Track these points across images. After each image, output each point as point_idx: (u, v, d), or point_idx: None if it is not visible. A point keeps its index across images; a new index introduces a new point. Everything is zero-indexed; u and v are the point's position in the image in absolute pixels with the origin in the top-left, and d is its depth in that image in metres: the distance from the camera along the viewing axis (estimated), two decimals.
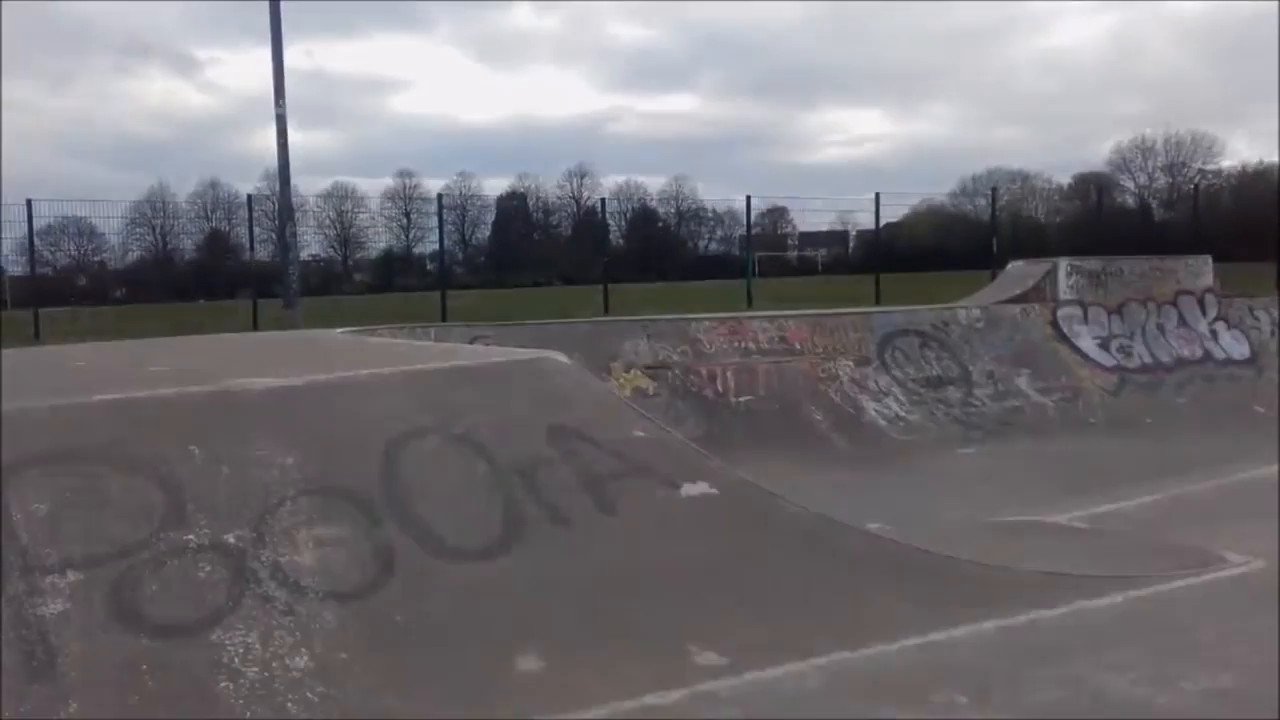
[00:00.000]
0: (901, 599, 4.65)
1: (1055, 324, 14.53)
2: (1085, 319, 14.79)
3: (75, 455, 4.66)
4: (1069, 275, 14.99)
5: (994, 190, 36.93)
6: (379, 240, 64.98)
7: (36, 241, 18.80)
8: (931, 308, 14.48)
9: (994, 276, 18.66)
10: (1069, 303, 14.81)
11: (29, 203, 17.55)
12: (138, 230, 51.95)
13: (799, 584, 4.73)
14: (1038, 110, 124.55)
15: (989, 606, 4.60)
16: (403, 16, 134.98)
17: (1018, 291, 14.92)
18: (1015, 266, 16.31)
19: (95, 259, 44.68)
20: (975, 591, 4.78)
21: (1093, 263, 15.45)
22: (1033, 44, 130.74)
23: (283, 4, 15.20)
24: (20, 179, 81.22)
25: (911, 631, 4.34)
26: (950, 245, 44.41)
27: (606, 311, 19.84)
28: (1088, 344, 14.52)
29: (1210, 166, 69.95)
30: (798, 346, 12.68)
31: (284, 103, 15.43)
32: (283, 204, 16.06)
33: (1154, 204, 70.42)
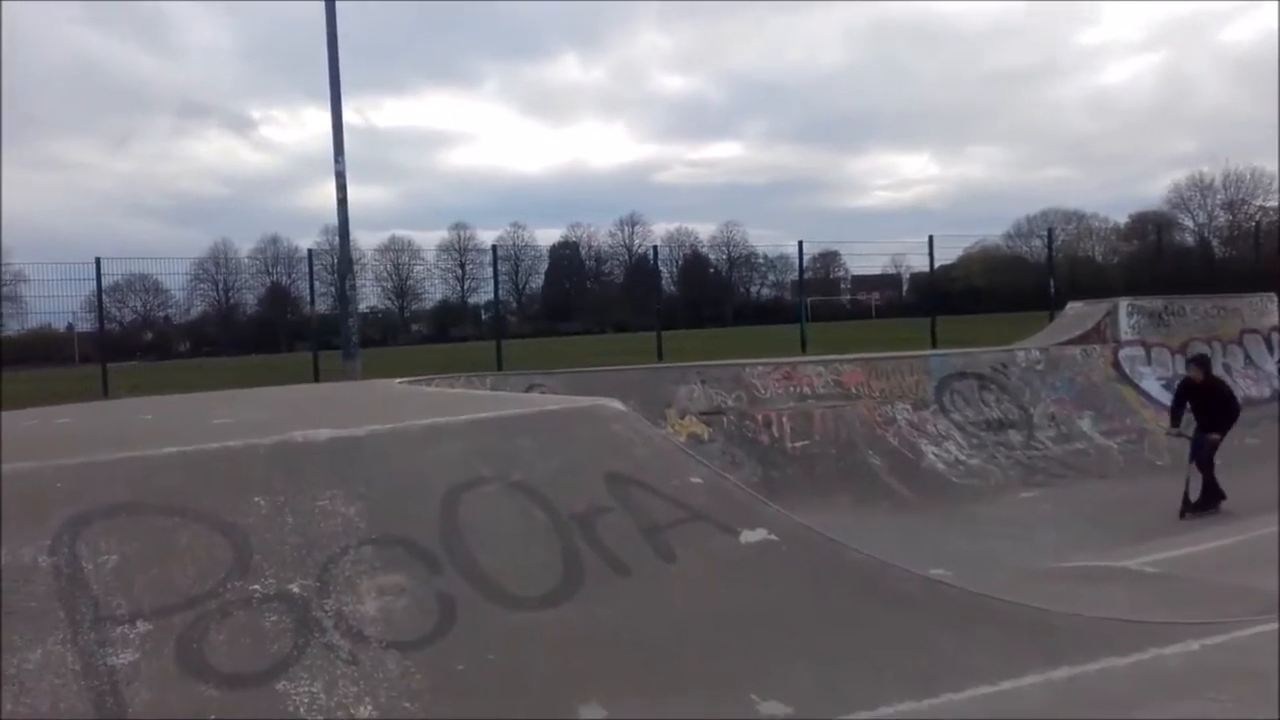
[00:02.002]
0: (968, 647, 4.55)
1: (1117, 365, 14.31)
2: (1149, 360, 14.55)
3: (144, 507, 4.75)
4: (1130, 315, 14.77)
5: (1050, 231, 36.51)
6: (435, 291, 65.86)
7: (104, 298, 19.18)
8: (990, 350, 14.33)
9: (1052, 318, 18.42)
10: (1131, 343, 14.59)
11: (98, 261, 18.00)
12: (201, 286, 53.32)
13: (863, 632, 4.66)
14: (1087, 150, 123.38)
15: (1059, 655, 4.49)
16: (450, 73, 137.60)
17: (1078, 332, 14.73)
18: (1074, 307, 16.11)
19: (161, 314, 45.90)
20: (1044, 639, 4.66)
21: (1154, 302, 15.23)
22: (1080, 84, 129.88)
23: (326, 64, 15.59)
24: (85, 237, 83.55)
25: (980, 681, 4.25)
26: (1006, 287, 43.89)
27: (660, 358, 19.86)
28: (1152, 385, 14.26)
29: (1270, 203, 68.54)
30: (854, 390, 12.60)
31: (343, 159, 15.76)
32: (342, 259, 16.33)
33: (1214, 242, 69.10)
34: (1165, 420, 13.71)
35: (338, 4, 15.72)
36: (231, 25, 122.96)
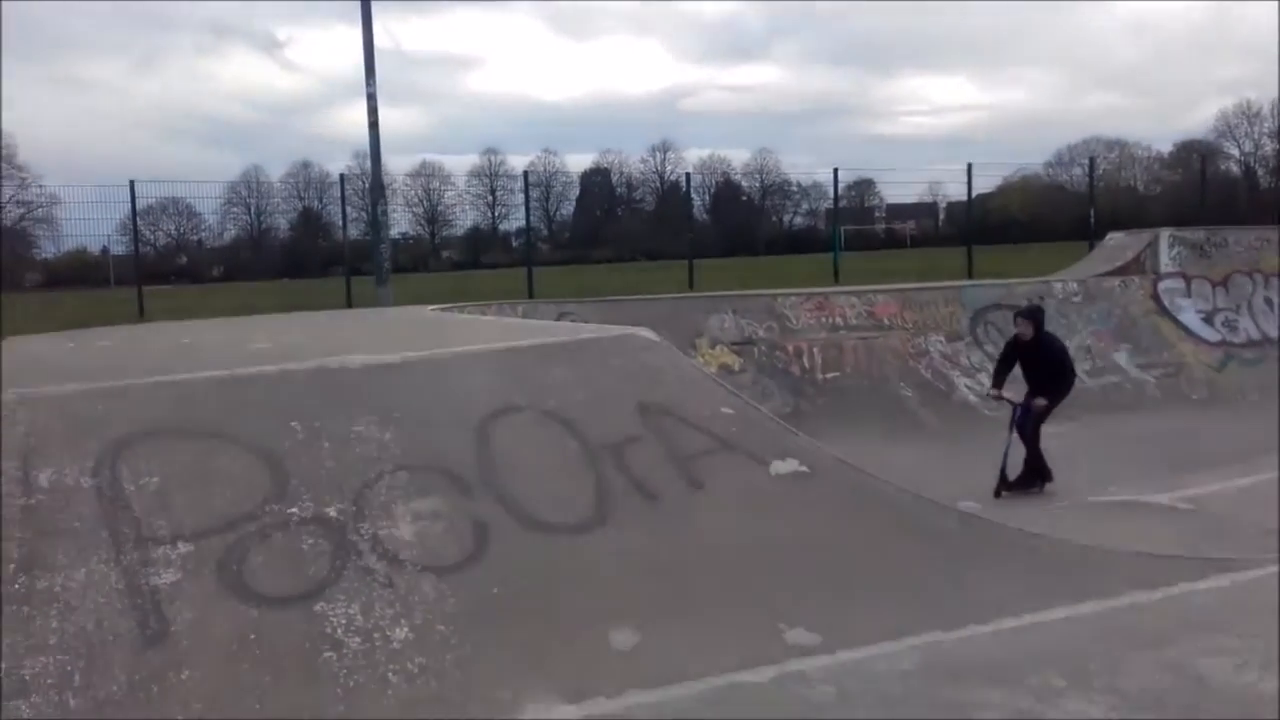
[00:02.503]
0: (996, 580, 4.58)
1: (1156, 297, 14.11)
2: (1188, 292, 14.33)
3: (185, 430, 4.84)
4: (1171, 247, 14.53)
5: (1091, 160, 35.78)
6: (465, 218, 65.73)
7: (138, 222, 19.27)
8: (1026, 281, 14.17)
9: (1092, 249, 18.12)
10: (1171, 275, 14.37)
11: (131, 184, 18.01)
12: (233, 210, 53.53)
13: (891, 563, 4.69)
14: (1131, 76, 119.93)
15: (1087, 588, 4.51)
16: None
17: (1117, 264, 14.51)
18: (1114, 238, 15.85)
19: (194, 238, 46.08)
20: (1073, 573, 4.68)
21: (1196, 233, 14.95)
22: (1124, 6, 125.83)
23: None
24: (116, 158, 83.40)
25: (1007, 613, 4.28)
26: (1045, 217, 43.23)
27: (691, 287, 19.77)
28: (1191, 318, 14.07)
29: None
30: (886, 322, 12.53)
31: (374, 82, 15.63)
32: (374, 184, 16.27)
33: (1260, 171, 67.55)
34: (1204, 353, 13.58)
35: None
36: None
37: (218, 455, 4.72)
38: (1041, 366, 9.15)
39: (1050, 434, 10.84)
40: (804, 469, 5.34)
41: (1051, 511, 6.57)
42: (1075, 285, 13.85)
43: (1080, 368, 12.65)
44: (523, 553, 4.54)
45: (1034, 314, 9.66)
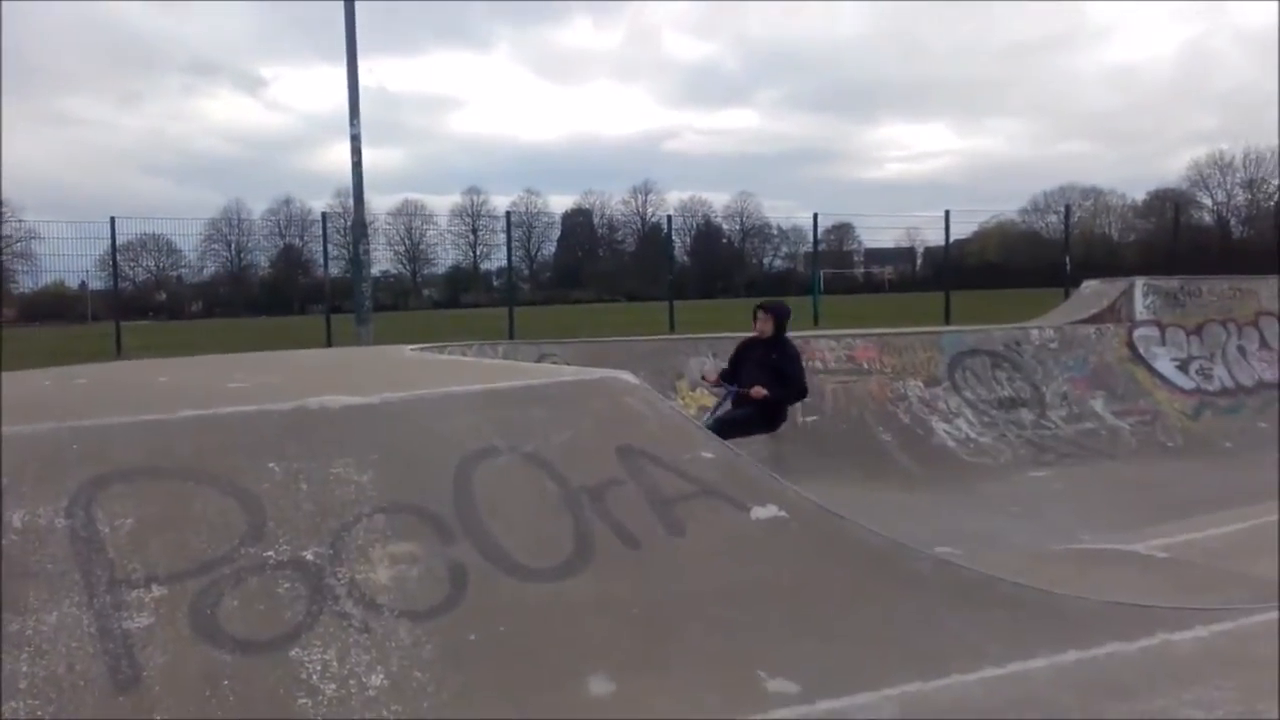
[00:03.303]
0: (975, 628, 4.57)
1: (1131, 345, 14.25)
2: (1163, 340, 14.48)
3: (160, 471, 4.79)
4: (1145, 295, 14.69)
5: (1066, 208, 36.27)
6: (447, 256, 65.89)
7: (117, 257, 19.24)
8: (1003, 327, 14.28)
9: (1067, 294, 18.33)
10: (1146, 323, 14.52)
11: (112, 221, 18.08)
12: (214, 246, 53.50)
13: (871, 611, 4.68)
14: (1105, 125, 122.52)
15: (1066, 638, 4.50)
16: (463, 34, 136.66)
17: (1092, 311, 14.66)
18: (1089, 285, 16.03)
19: (173, 274, 45.98)
20: (1052, 622, 4.68)
21: (1170, 282, 15.13)
22: (1098, 57, 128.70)
23: (340, 22, 15.51)
24: (98, 194, 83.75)
25: (987, 662, 4.26)
26: (1021, 263, 43.77)
27: (672, 328, 19.85)
28: (1165, 366, 14.21)
29: None
30: (865, 366, 12.58)
31: (358, 123, 15.71)
32: (356, 223, 16.32)
33: (1233, 221, 68.61)
34: (1179, 401, 13.70)
35: None
36: None
37: (193, 496, 4.67)
38: (773, 372, 8.44)
39: (1027, 480, 10.89)
40: (784, 514, 5.34)
41: (1027, 559, 6.58)
42: (1052, 332, 13.97)
43: (1056, 414, 12.77)
44: (501, 597, 4.50)
45: (779, 310, 8.92)
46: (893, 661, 4.23)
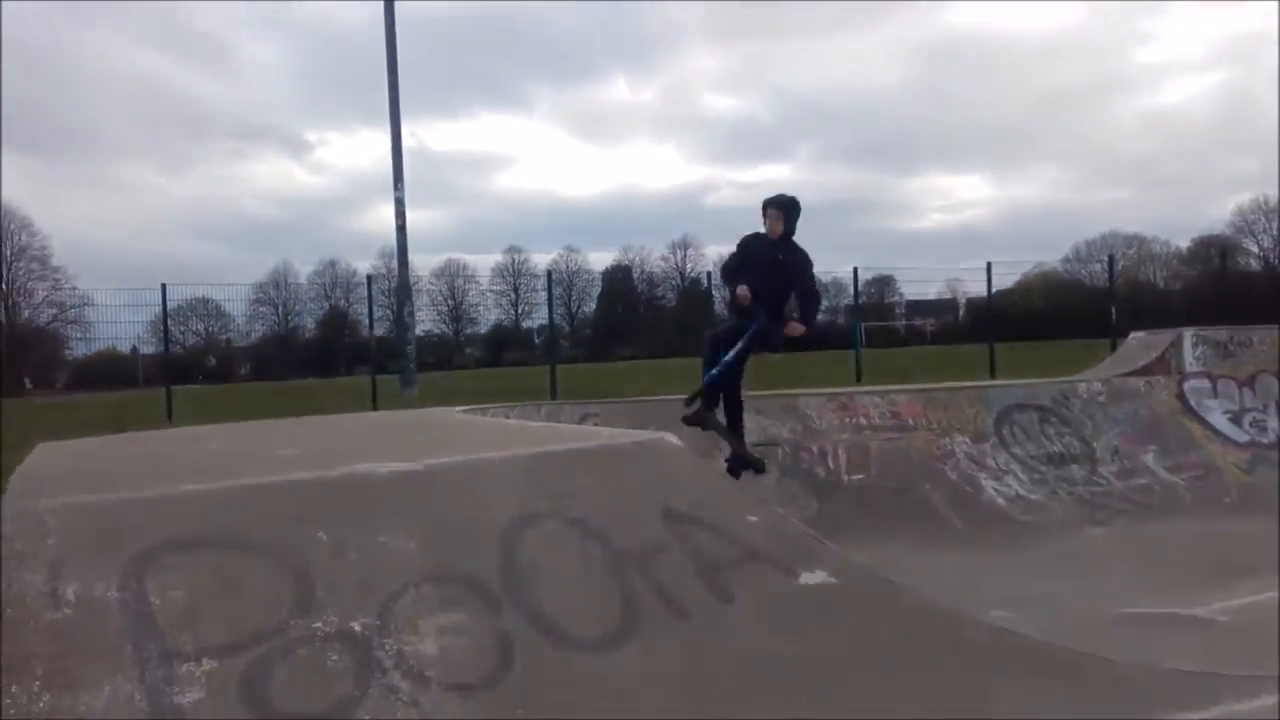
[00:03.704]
0: (1035, 698, 4.46)
1: (1182, 397, 13.98)
2: (1214, 392, 14.20)
3: (211, 541, 4.83)
4: (1195, 346, 14.44)
5: (1110, 257, 35.97)
6: (489, 315, 66.57)
7: (168, 321, 19.63)
8: (1050, 381, 14.09)
9: (1113, 344, 18.10)
10: (1196, 374, 14.25)
11: (164, 287, 18.48)
12: (261, 309, 54.46)
13: (926, 680, 4.59)
14: (1147, 172, 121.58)
15: (1130, 708, 4.39)
16: (502, 95, 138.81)
17: (1140, 363, 14.42)
18: (1136, 337, 15.79)
19: (222, 337, 46.82)
20: (1115, 691, 4.56)
21: (1220, 332, 14.87)
22: (1138, 104, 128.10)
23: (383, 86, 15.84)
24: (148, 258, 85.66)
25: None
26: (1065, 312, 43.35)
27: None
28: (1218, 418, 13.91)
29: None
30: (911, 422, 12.45)
31: (403, 186, 16.02)
32: (401, 286, 16.61)
33: None
34: (1233, 455, 13.39)
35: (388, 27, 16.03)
36: (286, 48, 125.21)
37: (243, 567, 4.70)
38: (782, 280, 7.60)
39: (1080, 539, 10.67)
40: (833, 580, 5.27)
41: (1086, 623, 6.43)
42: (1099, 385, 13.76)
43: (1108, 470, 12.53)
44: (548, 670, 4.47)
45: (790, 207, 7.86)
46: None
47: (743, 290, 7.23)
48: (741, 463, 8.19)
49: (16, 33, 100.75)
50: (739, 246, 7.87)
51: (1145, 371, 14.23)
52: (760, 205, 8.07)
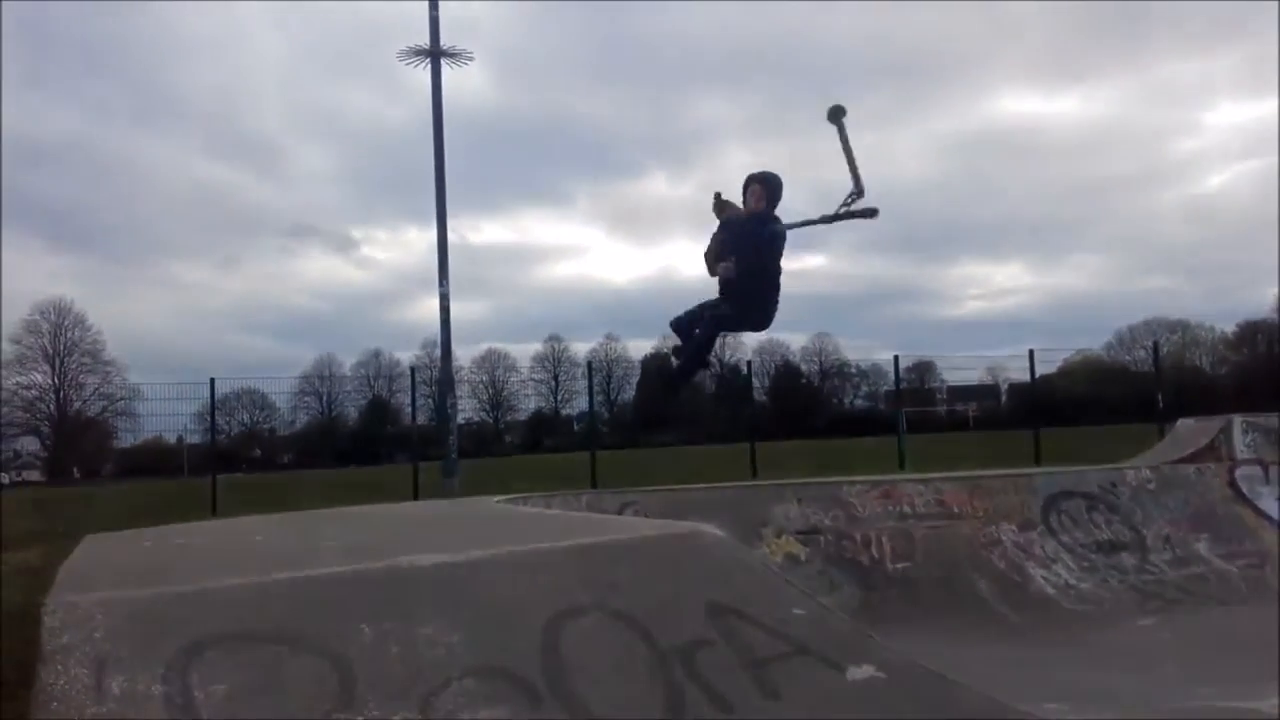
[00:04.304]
0: None
1: (1234, 485, 13.70)
2: (1267, 479, 13.90)
3: (255, 635, 4.84)
4: (1245, 433, 14.20)
5: (1155, 344, 35.63)
6: (528, 403, 66.95)
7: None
8: (1098, 468, 13.88)
9: (1161, 430, 17.82)
10: (1248, 462, 13.98)
11: (212, 382, 18.86)
12: (305, 399, 55.18)
13: None
14: (1189, 259, 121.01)
15: None
16: (542, 193, 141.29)
17: (1190, 450, 14.19)
18: (1185, 424, 15.57)
19: (266, 427, 47.48)
20: None
21: (1270, 419, 14.62)
22: (1178, 192, 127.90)
23: (428, 186, 16.32)
24: (197, 351, 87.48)
25: None
26: (1110, 397, 42.83)
27: (754, 471, 19.72)
28: (1271, 505, 13.58)
29: None
30: (956, 510, 12.27)
31: (448, 282, 16.33)
32: (444, 378, 16.84)
33: None
34: None
35: (431, 131, 16.51)
36: (334, 152, 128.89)
37: (286, 661, 4.70)
38: (755, 244, 7.11)
39: (1134, 629, 10.40)
40: (881, 675, 5.17)
41: (1145, 719, 6.24)
42: (1149, 472, 13.52)
43: (1160, 558, 12.24)
44: None
45: (774, 182, 7.48)
46: None
47: (726, 264, 6.78)
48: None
49: (75, 136, 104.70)
50: (721, 228, 7.30)
51: (1195, 458, 14.00)
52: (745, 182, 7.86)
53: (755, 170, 7.76)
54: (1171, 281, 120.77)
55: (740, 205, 7.59)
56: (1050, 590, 11.39)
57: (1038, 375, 25.55)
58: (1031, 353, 24.12)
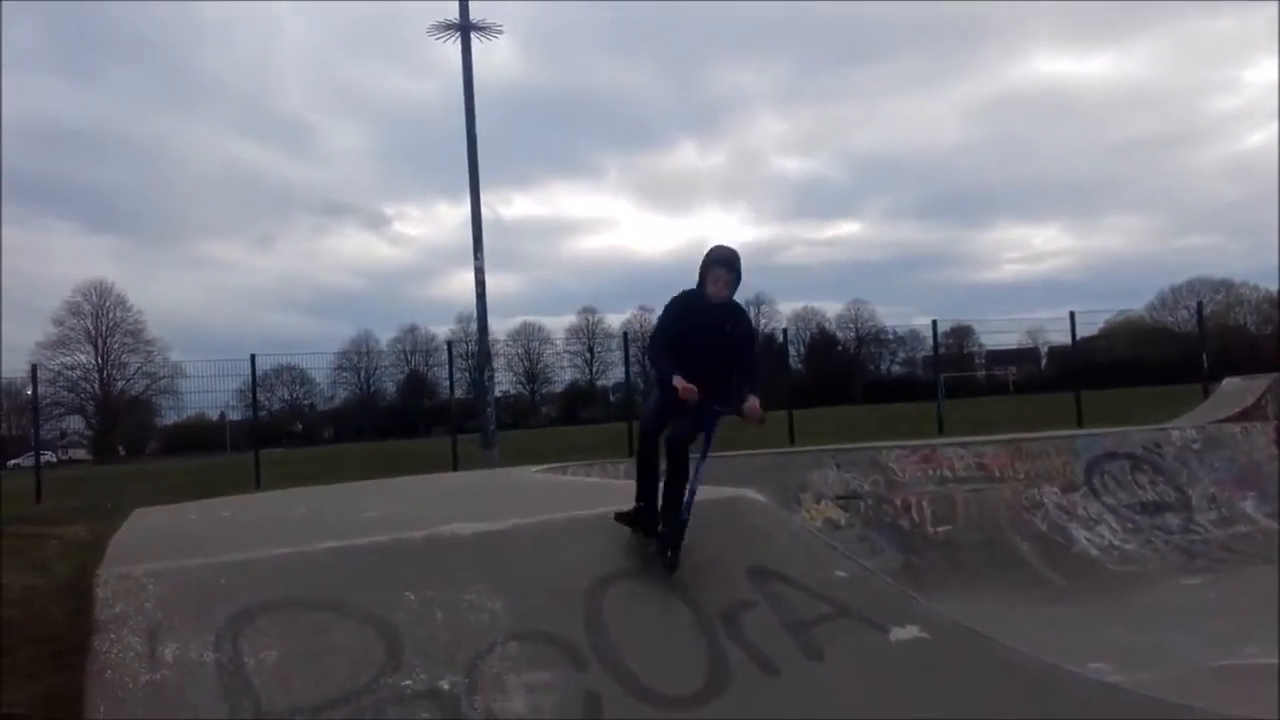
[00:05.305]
0: None
1: None
2: None
3: (303, 602, 4.91)
4: None
5: (1199, 303, 35.00)
6: (564, 375, 67.06)
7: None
8: (1142, 429, 13.69)
9: (1205, 391, 17.53)
10: None
11: (253, 357, 18.99)
12: (344, 374, 55.61)
13: None
14: (1231, 217, 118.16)
15: None
16: (573, 166, 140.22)
17: (1236, 409, 13.96)
18: (1230, 383, 15.32)
19: (306, 403, 47.99)
20: None
21: None
22: (1219, 150, 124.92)
23: (458, 161, 16.31)
24: (235, 330, 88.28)
25: None
26: (1152, 359, 42.23)
27: (791, 437, 19.65)
28: None
29: None
30: (997, 473, 12.17)
31: (482, 256, 16.39)
32: (481, 351, 16.91)
33: None
34: None
35: (461, 104, 16.52)
36: (364, 129, 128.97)
37: (333, 627, 4.77)
38: (728, 347, 5.82)
39: (1179, 589, 10.27)
40: (925, 635, 5.16)
41: (1191, 676, 6.17)
42: (1194, 432, 13.34)
43: (1205, 518, 12.10)
44: None
45: (738, 264, 5.97)
46: None
47: (686, 387, 5.49)
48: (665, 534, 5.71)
49: (114, 121, 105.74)
50: (671, 312, 5.98)
51: (1241, 417, 13.78)
52: (706, 262, 6.03)
53: (715, 247, 6.22)
54: (1213, 240, 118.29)
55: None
56: (1094, 552, 11.29)
57: (1079, 338, 25.19)
58: (1072, 314, 23.75)
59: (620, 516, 5.88)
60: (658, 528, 5.66)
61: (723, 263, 5.97)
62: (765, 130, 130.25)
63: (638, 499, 5.79)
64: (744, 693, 4.65)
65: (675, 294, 6.06)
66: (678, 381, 5.53)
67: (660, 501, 5.69)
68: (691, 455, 5.85)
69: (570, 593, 5.22)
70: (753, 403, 5.71)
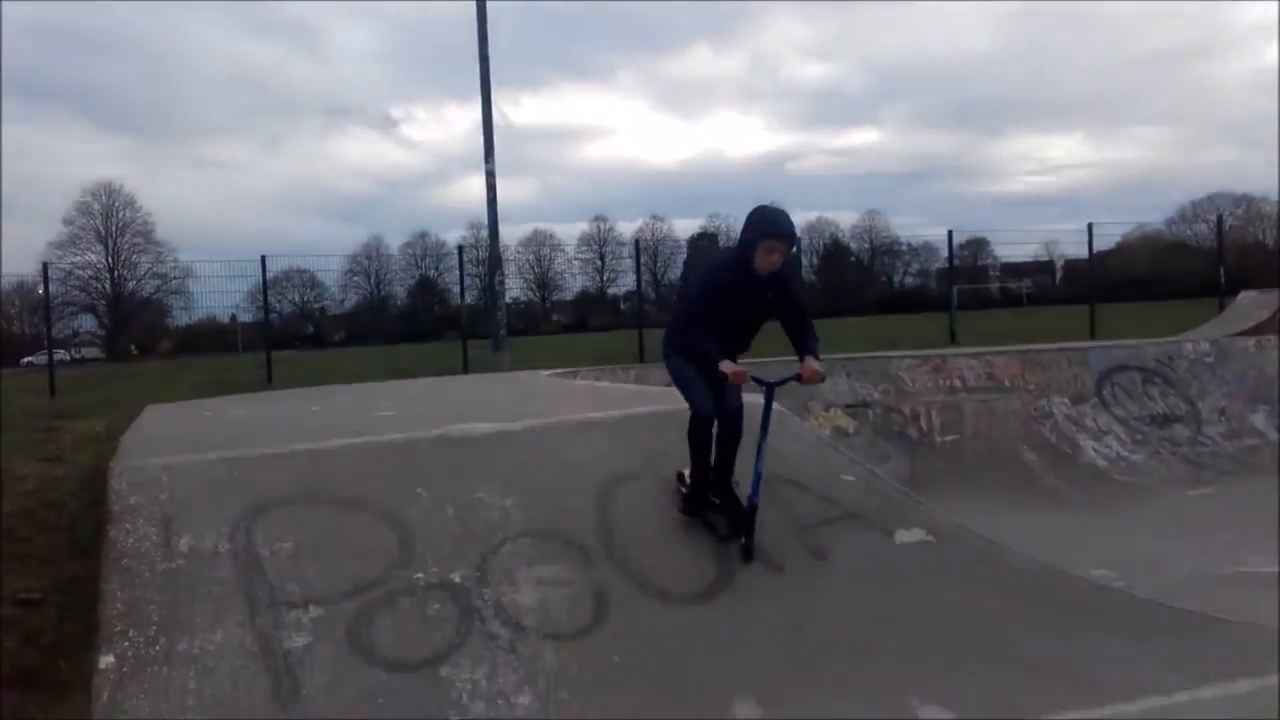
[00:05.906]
0: (1140, 655, 4.35)
1: None
2: None
3: (316, 496, 4.98)
4: None
5: (1219, 216, 34.51)
6: (575, 283, 66.88)
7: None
8: (1154, 341, 13.64)
9: (1222, 307, 17.41)
10: None
11: (263, 259, 18.90)
12: (355, 279, 55.56)
13: (1026, 637, 4.51)
14: (1254, 130, 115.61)
15: (1240, 665, 4.25)
16: (584, 68, 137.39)
17: (1250, 323, 13.89)
18: (1246, 296, 15.23)
19: (317, 306, 48.02)
20: (1223, 649, 4.42)
21: None
22: (1244, 62, 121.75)
23: (467, 63, 16.03)
24: (244, 232, 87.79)
25: (1153, 691, 4.05)
26: (1170, 274, 41.81)
27: None
28: None
29: None
30: (1007, 384, 12.18)
31: (493, 160, 16.17)
32: (492, 257, 16.82)
33: None
34: None
35: (468, 4, 16.14)
36: (372, 29, 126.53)
37: (347, 521, 4.85)
38: (765, 314, 5.34)
39: (1184, 500, 10.34)
40: (929, 538, 5.21)
41: (1192, 583, 6.24)
42: (1207, 345, 13.29)
43: (1214, 431, 12.12)
44: (643, 621, 4.51)
45: (795, 238, 5.34)
46: (1051, 689, 4.06)
47: (736, 371, 5.10)
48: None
49: (114, 20, 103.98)
50: (713, 282, 5.37)
51: (1256, 331, 13.72)
52: (747, 218, 5.36)
53: (763, 209, 5.42)
54: (1235, 154, 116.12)
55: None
56: (1101, 462, 11.34)
57: (1095, 251, 24.92)
58: (1090, 226, 23.43)
59: (679, 483, 5.56)
60: (712, 504, 5.35)
61: (781, 237, 5.27)
62: (783, 33, 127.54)
63: (690, 481, 5.42)
64: (749, 590, 4.73)
65: (713, 256, 5.38)
66: (725, 367, 5.12)
67: (713, 474, 5.34)
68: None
69: (581, 492, 5.29)
70: (810, 365, 5.25)
